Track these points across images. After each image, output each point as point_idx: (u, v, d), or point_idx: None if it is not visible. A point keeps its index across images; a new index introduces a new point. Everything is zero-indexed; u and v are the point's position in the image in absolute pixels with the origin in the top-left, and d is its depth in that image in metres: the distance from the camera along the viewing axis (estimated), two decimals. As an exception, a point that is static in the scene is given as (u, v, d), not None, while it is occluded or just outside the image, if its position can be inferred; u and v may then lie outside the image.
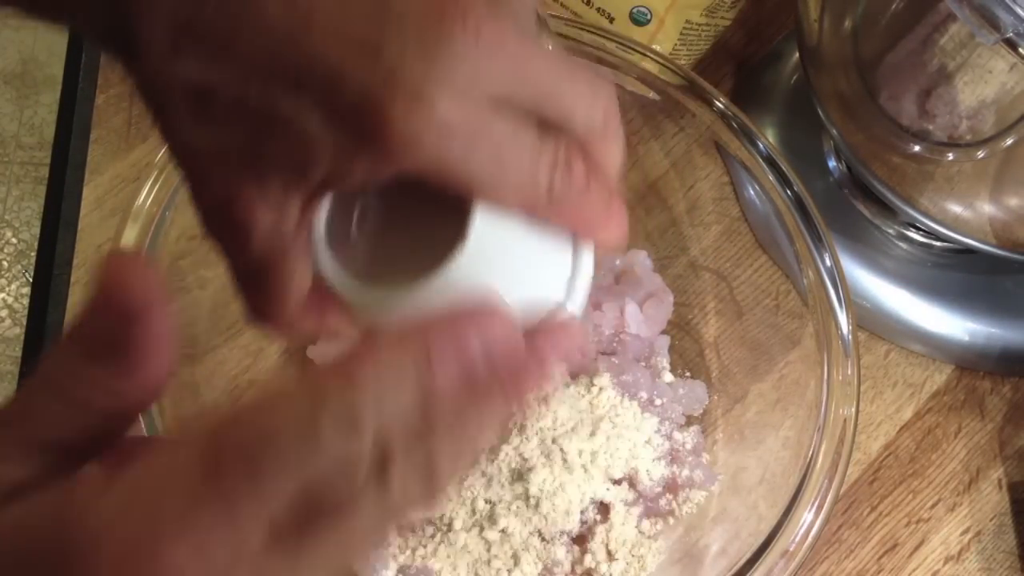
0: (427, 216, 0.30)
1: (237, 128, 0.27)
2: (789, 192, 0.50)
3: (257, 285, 0.30)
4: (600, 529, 0.50)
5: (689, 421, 0.53)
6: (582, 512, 0.49)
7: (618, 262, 0.55)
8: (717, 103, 0.51)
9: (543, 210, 0.29)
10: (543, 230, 0.30)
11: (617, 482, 0.50)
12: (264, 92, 0.26)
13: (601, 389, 0.50)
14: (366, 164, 0.27)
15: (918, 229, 0.58)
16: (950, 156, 0.48)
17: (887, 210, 0.58)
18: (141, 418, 0.44)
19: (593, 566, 0.49)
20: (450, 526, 0.49)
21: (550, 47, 0.31)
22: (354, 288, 0.31)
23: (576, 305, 0.32)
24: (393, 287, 0.29)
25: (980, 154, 0.47)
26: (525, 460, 0.47)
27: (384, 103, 0.25)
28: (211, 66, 0.26)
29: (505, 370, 0.24)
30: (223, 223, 0.28)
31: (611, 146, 0.30)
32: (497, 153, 0.27)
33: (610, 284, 0.55)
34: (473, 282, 0.29)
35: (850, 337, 0.47)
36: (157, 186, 0.47)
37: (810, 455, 0.46)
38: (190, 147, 0.28)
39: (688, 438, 0.52)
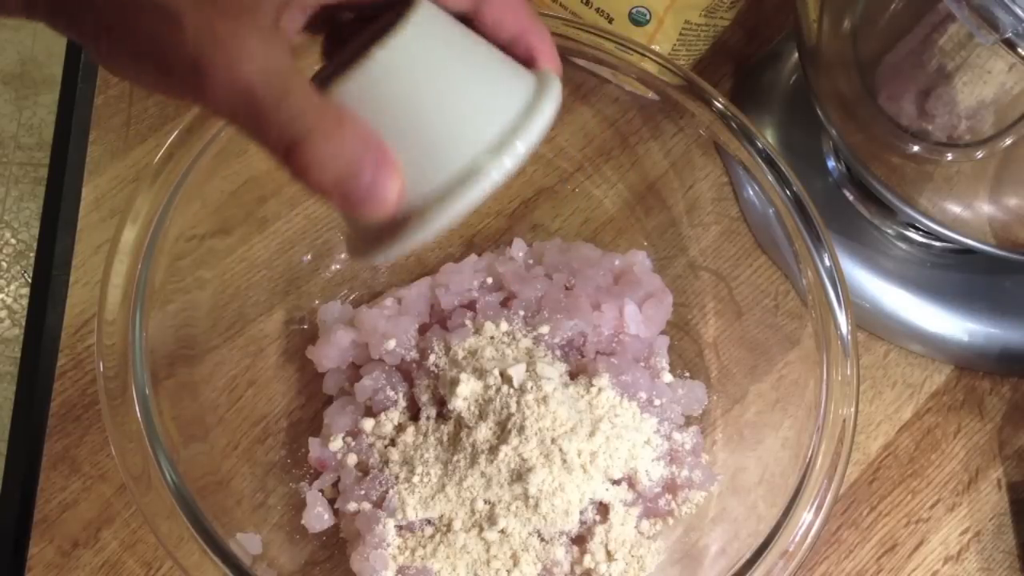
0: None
1: None
2: (788, 192, 0.50)
3: (313, 127, 0.31)
4: (599, 529, 0.50)
5: (688, 421, 0.53)
6: (581, 512, 0.49)
7: (617, 262, 0.55)
8: (716, 103, 0.51)
9: None
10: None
11: (616, 482, 0.50)
12: None
13: (600, 389, 0.50)
14: None
15: (917, 229, 0.58)
16: (949, 156, 0.48)
17: (886, 210, 0.58)
18: (141, 420, 0.44)
19: (592, 566, 0.49)
20: (449, 527, 0.49)
21: None
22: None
23: (536, 129, 0.34)
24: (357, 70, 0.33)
25: (979, 154, 0.47)
26: (524, 460, 0.47)
27: None
28: None
29: None
30: (255, 89, 0.30)
31: None
32: None
33: (609, 284, 0.55)
34: (427, 65, 0.33)
35: (849, 337, 0.47)
36: (156, 186, 0.47)
37: (809, 455, 0.46)
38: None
39: (687, 438, 0.52)
